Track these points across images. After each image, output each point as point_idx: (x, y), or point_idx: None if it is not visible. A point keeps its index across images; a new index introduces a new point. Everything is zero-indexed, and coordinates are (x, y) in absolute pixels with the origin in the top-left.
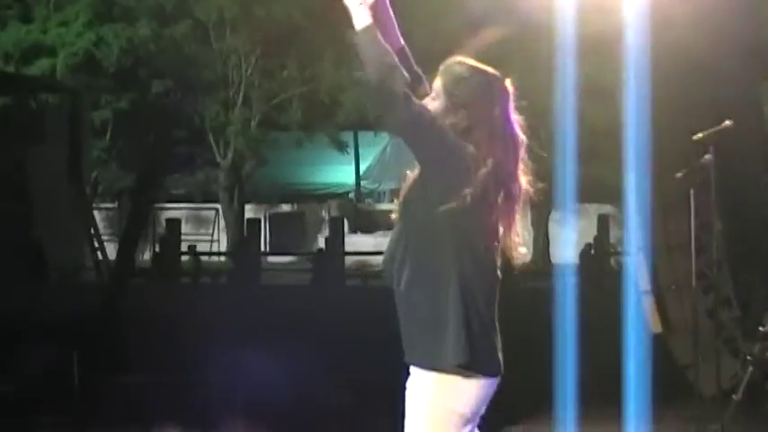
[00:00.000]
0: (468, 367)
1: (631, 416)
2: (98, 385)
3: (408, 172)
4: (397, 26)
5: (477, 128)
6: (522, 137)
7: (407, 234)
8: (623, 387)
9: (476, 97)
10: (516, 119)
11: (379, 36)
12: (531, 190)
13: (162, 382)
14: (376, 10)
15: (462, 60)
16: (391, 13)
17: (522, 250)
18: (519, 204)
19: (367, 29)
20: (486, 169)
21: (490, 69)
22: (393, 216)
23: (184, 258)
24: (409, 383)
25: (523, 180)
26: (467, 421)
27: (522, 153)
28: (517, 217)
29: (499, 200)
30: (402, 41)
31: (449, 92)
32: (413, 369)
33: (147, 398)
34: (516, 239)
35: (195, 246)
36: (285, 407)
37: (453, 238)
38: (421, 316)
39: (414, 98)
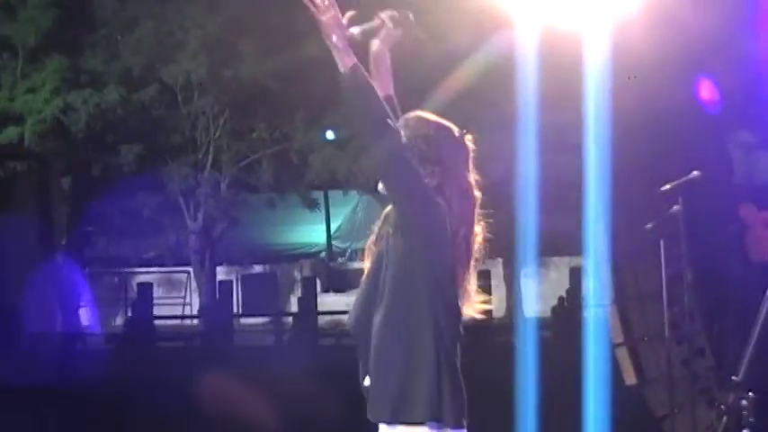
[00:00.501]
0: (438, 419)
1: None
2: None
3: (374, 226)
4: (390, 73)
5: (448, 185)
6: (477, 193)
7: (383, 282)
8: None
9: (447, 155)
10: (473, 177)
11: (367, 78)
12: (486, 245)
13: None
14: (378, 55)
15: (425, 116)
16: (388, 59)
17: (479, 299)
18: (476, 259)
19: (353, 74)
20: (461, 226)
21: (453, 126)
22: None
23: (157, 322)
24: None
25: (479, 236)
26: None
27: (478, 209)
28: (473, 270)
29: (465, 254)
30: (391, 90)
31: (419, 149)
32: (381, 428)
33: None
34: (472, 290)
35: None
36: None
37: (427, 286)
38: (392, 361)
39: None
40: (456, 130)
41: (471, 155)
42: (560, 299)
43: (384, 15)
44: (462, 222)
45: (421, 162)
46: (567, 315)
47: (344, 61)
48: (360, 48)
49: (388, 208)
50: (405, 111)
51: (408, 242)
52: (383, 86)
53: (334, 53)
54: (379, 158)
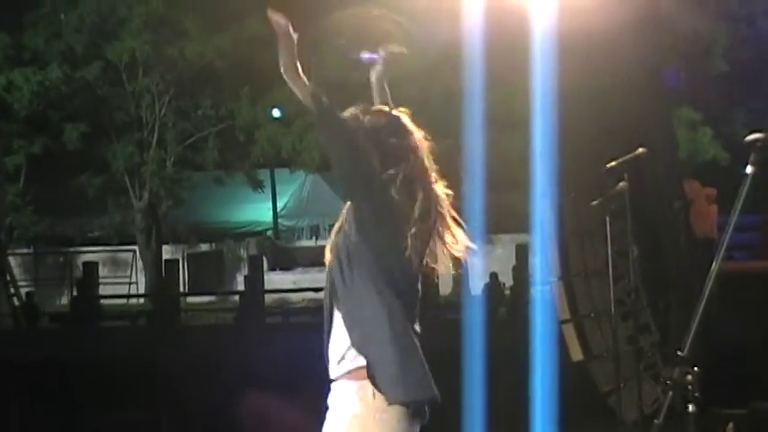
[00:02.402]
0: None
1: None
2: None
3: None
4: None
5: (415, 179)
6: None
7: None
8: (538, 416)
9: (408, 149)
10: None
11: (328, 106)
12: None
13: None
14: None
15: (380, 110)
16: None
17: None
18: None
19: (318, 108)
20: (424, 222)
21: (404, 116)
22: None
23: (103, 302)
24: None
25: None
26: None
27: (439, 189)
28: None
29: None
30: (391, 105)
31: (380, 146)
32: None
33: None
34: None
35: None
36: None
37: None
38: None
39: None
40: (406, 120)
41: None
42: (493, 275)
43: (386, 50)
44: (435, 205)
45: (387, 160)
46: (497, 293)
47: (305, 97)
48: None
49: (346, 206)
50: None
51: (362, 236)
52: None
53: (290, 79)
54: (336, 159)
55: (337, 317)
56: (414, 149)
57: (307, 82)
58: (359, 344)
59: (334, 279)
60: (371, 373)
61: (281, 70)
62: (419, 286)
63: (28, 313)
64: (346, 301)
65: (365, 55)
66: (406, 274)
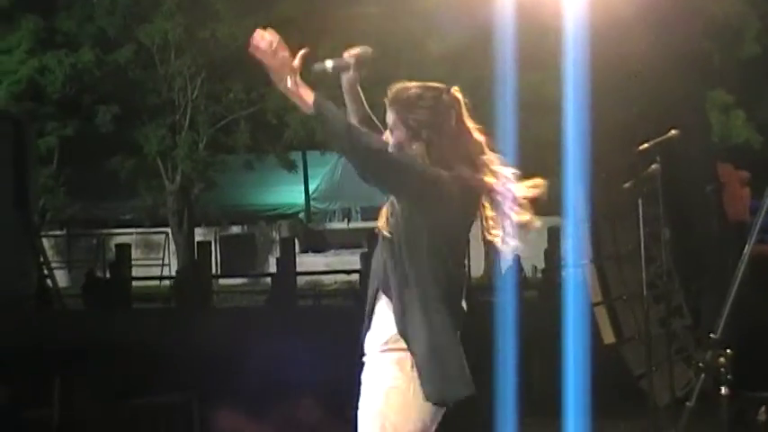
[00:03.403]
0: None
1: (577, 428)
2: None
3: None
4: (361, 96)
5: (442, 145)
6: (480, 138)
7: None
8: (570, 399)
9: (434, 115)
10: (472, 125)
11: (330, 106)
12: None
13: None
14: (350, 88)
15: (406, 84)
16: (358, 86)
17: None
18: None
19: (318, 109)
20: (460, 187)
21: (434, 84)
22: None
23: (135, 284)
24: None
25: (505, 178)
26: None
27: (488, 153)
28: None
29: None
30: (367, 110)
31: (405, 119)
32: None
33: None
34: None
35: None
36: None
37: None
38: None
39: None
40: (438, 86)
41: (463, 105)
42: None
43: (351, 54)
44: (467, 180)
45: (414, 132)
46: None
47: (305, 103)
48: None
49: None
50: (383, 75)
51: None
52: (359, 111)
53: (291, 98)
54: (362, 166)
55: (383, 301)
56: (436, 116)
57: (311, 97)
58: (404, 332)
59: (387, 263)
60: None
61: (281, 89)
62: (466, 264)
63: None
64: (396, 287)
65: (321, 65)
66: (455, 254)
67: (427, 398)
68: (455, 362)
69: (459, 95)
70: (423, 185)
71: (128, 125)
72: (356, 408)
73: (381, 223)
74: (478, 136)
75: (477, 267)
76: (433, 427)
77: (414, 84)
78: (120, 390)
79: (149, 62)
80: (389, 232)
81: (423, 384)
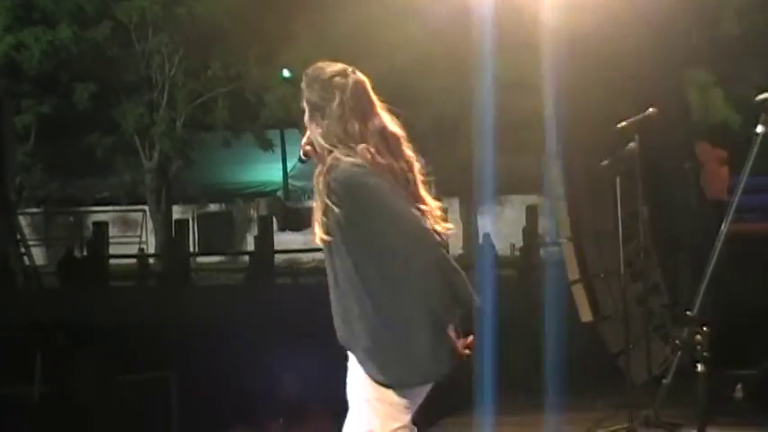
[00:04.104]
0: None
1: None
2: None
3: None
4: None
5: (330, 127)
6: (380, 122)
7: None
8: (548, 377)
9: (322, 97)
10: (377, 108)
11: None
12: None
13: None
14: None
15: (319, 64)
16: None
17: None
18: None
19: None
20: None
21: (339, 65)
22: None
23: (113, 261)
24: None
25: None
26: None
27: (399, 133)
28: (422, 193)
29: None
30: None
31: (305, 98)
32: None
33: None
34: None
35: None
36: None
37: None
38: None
39: None
40: (343, 67)
41: (370, 90)
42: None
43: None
44: (395, 159)
45: (313, 112)
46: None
47: None
48: None
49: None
50: (362, 54)
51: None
52: None
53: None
54: None
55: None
56: (322, 97)
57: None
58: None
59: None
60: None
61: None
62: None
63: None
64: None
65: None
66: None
67: (389, 385)
68: (412, 346)
69: (361, 77)
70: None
71: (105, 103)
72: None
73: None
74: (380, 119)
75: (455, 247)
76: (415, 406)
77: (324, 64)
78: (99, 367)
79: (127, 39)
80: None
81: (382, 373)
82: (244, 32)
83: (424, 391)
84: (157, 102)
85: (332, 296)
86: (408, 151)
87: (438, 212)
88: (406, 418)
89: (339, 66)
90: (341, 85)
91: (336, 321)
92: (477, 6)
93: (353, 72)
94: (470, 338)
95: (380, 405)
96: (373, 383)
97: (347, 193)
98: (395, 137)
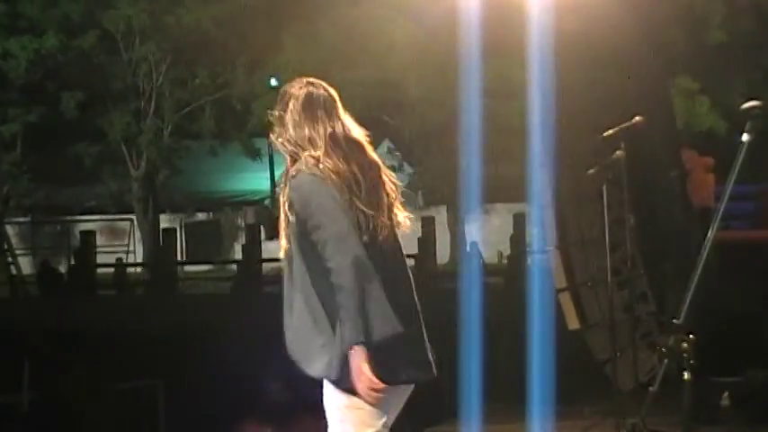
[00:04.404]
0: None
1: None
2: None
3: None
4: None
5: (288, 135)
6: (357, 134)
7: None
8: (534, 385)
9: (281, 109)
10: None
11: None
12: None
13: (100, 390)
14: None
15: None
16: None
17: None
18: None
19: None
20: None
21: (304, 79)
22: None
23: (100, 270)
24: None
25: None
26: None
27: (357, 138)
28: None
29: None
30: None
31: (275, 115)
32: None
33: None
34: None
35: (121, 258)
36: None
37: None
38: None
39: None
40: (304, 81)
41: (337, 101)
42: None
43: None
44: (347, 163)
45: (275, 126)
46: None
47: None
48: None
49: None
50: (350, 61)
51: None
52: None
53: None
54: None
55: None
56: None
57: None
58: None
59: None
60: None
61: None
62: None
63: (47, 279)
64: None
65: None
66: None
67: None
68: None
69: (316, 88)
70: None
71: (92, 111)
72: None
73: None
74: (337, 125)
75: (442, 255)
76: (391, 410)
77: (295, 88)
78: (87, 376)
79: (114, 48)
80: None
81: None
82: (231, 41)
83: (396, 398)
84: (144, 110)
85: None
86: (372, 155)
87: (395, 219)
88: (379, 423)
89: (299, 79)
90: (294, 95)
91: (288, 335)
92: (464, 15)
93: (310, 84)
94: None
95: (350, 411)
96: (339, 391)
97: (298, 202)
98: (351, 142)
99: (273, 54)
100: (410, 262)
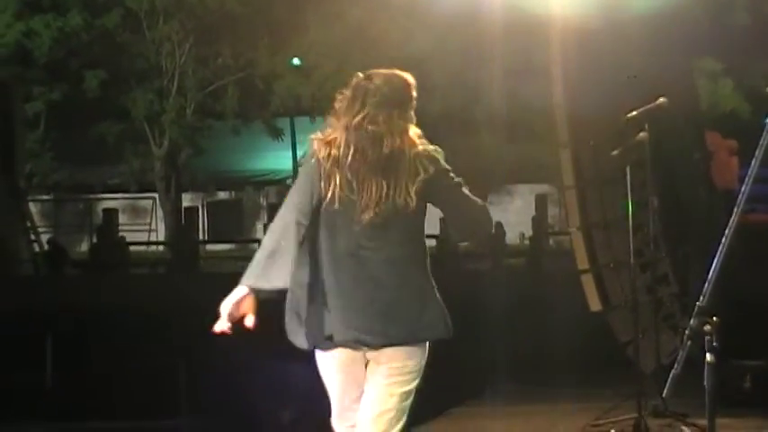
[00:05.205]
0: None
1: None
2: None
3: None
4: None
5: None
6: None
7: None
8: (557, 365)
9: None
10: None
11: None
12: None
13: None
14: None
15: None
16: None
17: None
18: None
19: None
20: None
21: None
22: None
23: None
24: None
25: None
26: None
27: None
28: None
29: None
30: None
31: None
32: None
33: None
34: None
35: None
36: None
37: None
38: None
39: None
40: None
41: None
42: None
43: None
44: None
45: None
46: (534, 242)
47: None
48: None
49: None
50: (376, 40)
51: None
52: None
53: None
54: None
55: None
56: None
57: None
58: None
59: None
60: None
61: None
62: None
63: (55, 258)
64: None
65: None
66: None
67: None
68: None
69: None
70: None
71: (115, 90)
72: None
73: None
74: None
75: None
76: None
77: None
78: (110, 353)
79: (137, 27)
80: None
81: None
82: (254, 20)
83: (335, 356)
84: (167, 89)
85: None
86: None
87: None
88: (333, 378)
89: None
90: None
91: None
92: None
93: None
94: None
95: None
96: None
97: None
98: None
99: (297, 34)
100: (431, 242)
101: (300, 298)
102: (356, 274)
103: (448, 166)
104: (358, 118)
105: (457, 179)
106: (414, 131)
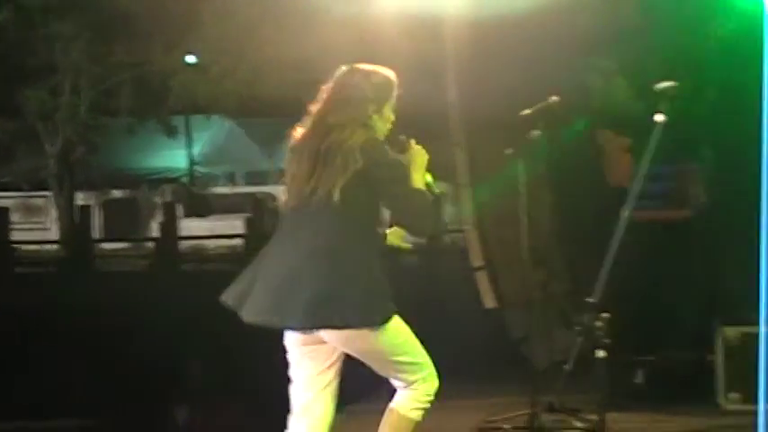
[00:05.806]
0: None
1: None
2: None
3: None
4: None
5: None
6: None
7: None
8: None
9: None
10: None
11: None
12: None
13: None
14: None
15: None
16: None
17: None
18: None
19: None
20: None
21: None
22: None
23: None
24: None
25: None
26: None
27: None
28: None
29: None
30: None
31: None
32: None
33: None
34: None
35: None
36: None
37: None
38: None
39: None
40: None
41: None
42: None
43: None
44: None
45: None
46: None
47: None
48: None
49: None
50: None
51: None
52: None
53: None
54: None
55: None
56: None
57: None
58: None
59: None
60: None
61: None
62: None
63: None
64: None
65: None
66: None
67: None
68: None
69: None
70: None
71: (7, 87)
72: None
73: None
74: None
75: None
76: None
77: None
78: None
79: (29, 23)
80: None
81: None
82: (149, 17)
83: (293, 336)
84: (61, 87)
85: None
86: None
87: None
88: (293, 352)
89: None
90: None
91: None
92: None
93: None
94: None
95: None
96: None
97: None
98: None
99: (191, 31)
100: None
101: None
102: (280, 260)
103: (389, 161)
104: (320, 108)
105: (397, 173)
106: (380, 127)
